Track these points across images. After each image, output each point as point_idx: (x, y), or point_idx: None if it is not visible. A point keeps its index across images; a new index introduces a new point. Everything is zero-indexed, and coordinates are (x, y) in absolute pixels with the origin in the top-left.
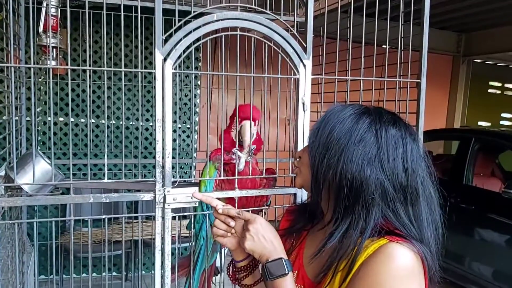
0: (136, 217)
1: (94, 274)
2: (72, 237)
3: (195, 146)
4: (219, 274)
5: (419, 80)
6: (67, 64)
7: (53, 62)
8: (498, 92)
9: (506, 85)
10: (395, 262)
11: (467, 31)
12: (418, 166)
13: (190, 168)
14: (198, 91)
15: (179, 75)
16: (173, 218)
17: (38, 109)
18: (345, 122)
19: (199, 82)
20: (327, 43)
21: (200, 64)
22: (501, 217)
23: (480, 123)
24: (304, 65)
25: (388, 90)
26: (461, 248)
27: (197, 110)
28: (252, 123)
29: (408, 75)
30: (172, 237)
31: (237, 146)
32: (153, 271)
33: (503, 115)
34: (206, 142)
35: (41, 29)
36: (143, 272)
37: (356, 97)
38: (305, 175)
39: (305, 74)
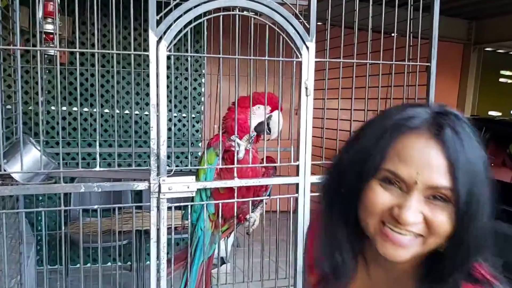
0: (140, 207)
1: (98, 264)
2: (82, 228)
3: (200, 136)
4: (224, 265)
5: (428, 64)
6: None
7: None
8: (510, 81)
9: None
10: None
11: (478, 19)
12: None
13: (196, 158)
14: (203, 80)
15: (183, 63)
16: (169, 208)
17: (39, 99)
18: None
19: (204, 71)
20: (331, 28)
21: (203, 49)
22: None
23: (490, 112)
24: (307, 48)
25: (396, 76)
26: None
27: (202, 99)
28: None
29: (417, 58)
30: (176, 227)
31: (236, 133)
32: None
33: None
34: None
35: (40, 14)
36: (148, 262)
37: (362, 83)
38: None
39: (308, 57)
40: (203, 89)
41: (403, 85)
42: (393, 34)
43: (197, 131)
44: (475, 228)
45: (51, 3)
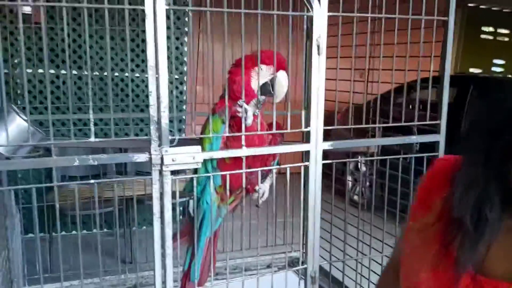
0: (126, 173)
1: (85, 231)
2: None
3: (184, 98)
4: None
5: (446, 18)
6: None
7: (28, 8)
8: (491, 37)
9: (499, 31)
10: None
11: None
12: None
13: (180, 121)
14: (185, 38)
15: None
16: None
17: (16, 61)
18: None
19: (186, 29)
20: None
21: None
22: None
23: (471, 69)
24: (319, 0)
25: (413, 31)
26: None
27: (185, 58)
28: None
29: (434, 13)
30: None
31: (243, 97)
32: (144, 227)
33: (495, 61)
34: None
35: None
36: (134, 228)
37: (378, 40)
38: None
39: (320, 11)
40: (185, 48)
41: (420, 42)
42: None
43: (181, 93)
44: None
45: None
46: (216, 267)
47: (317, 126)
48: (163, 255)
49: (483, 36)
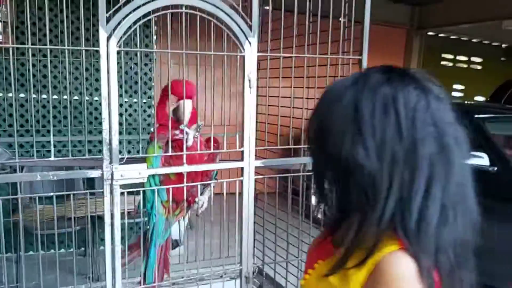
0: (92, 193)
1: (52, 250)
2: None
3: (152, 120)
4: (178, 247)
5: (360, 57)
6: (13, 37)
7: None
8: (451, 64)
9: (458, 57)
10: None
11: (421, 4)
12: (428, 135)
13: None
14: (153, 65)
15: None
16: (122, 194)
17: None
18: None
19: (154, 56)
20: (273, 21)
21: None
22: None
23: None
24: (250, 43)
25: (332, 67)
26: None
27: (152, 84)
28: (189, 101)
29: (350, 52)
30: (130, 212)
31: (185, 123)
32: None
33: (455, 86)
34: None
35: None
36: (102, 247)
37: (302, 73)
38: None
39: (250, 52)
40: (153, 74)
41: (338, 76)
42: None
43: (149, 116)
44: None
45: None
46: (173, 277)
47: (249, 146)
48: (113, 252)
49: (443, 62)
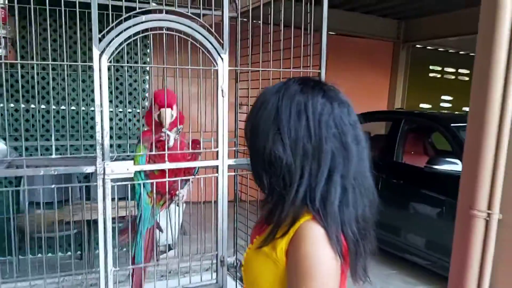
0: (88, 199)
1: (50, 254)
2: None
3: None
4: (171, 251)
5: (319, 71)
6: (15, 52)
7: (3, 51)
8: (438, 75)
9: (446, 69)
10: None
11: (407, 18)
12: (330, 134)
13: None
14: (147, 77)
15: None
16: (113, 199)
17: None
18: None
19: (148, 69)
20: (242, 39)
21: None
22: (424, 189)
23: (421, 105)
24: (222, 59)
25: None
26: (395, 220)
27: (147, 95)
28: (169, 109)
29: (310, 66)
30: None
31: (166, 126)
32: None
33: (443, 97)
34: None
35: None
36: (97, 251)
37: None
38: None
39: (223, 66)
40: (147, 86)
41: None
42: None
43: (143, 125)
44: None
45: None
46: (159, 271)
47: (223, 147)
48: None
49: (431, 74)
